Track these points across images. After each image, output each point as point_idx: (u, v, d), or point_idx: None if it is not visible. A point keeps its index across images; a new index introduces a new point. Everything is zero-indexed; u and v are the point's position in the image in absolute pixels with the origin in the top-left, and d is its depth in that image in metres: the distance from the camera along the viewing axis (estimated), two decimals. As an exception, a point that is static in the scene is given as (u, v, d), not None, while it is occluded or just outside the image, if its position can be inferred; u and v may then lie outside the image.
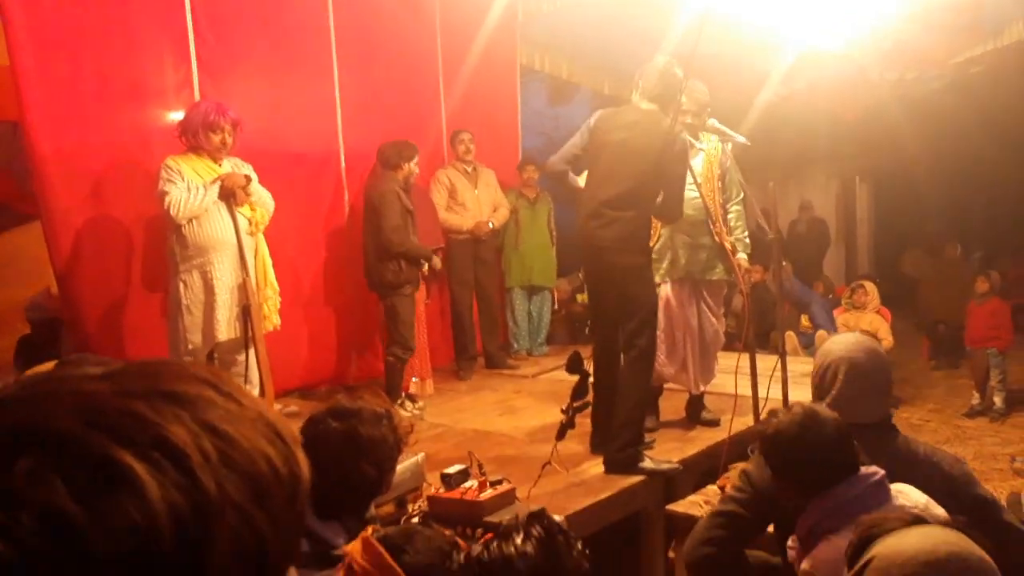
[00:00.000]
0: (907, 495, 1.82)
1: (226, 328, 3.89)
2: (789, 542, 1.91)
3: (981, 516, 1.78)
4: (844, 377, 2.24)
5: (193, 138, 3.91)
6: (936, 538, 1.17)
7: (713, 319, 4.32)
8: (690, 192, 4.07)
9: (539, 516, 1.19)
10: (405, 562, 1.35)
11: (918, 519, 1.25)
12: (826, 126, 8.54)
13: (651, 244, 4.16)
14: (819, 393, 2.33)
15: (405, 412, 4.41)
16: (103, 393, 0.43)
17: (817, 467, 1.86)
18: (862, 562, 1.19)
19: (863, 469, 1.86)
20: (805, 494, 1.87)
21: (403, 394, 4.77)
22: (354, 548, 1.41)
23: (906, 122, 7.69)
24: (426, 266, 5.25)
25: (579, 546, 1.12)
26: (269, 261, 4.13)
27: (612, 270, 3.64)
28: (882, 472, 1.84)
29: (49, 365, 1.83)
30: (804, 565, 1.65)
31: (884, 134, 8.52)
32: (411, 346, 4.84)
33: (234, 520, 0.42)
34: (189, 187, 3.80)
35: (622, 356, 3.71)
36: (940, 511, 1.68)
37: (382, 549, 1.36)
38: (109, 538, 0.38)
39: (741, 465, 3.69)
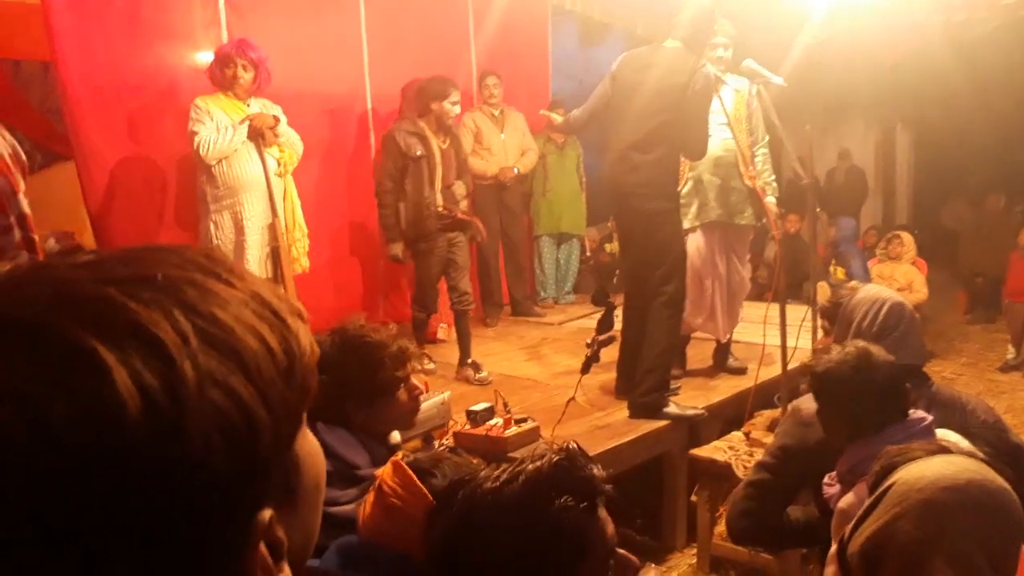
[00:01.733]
0: (949, 438, 1.82)
1: (256, 269, 3.95)
2: (826, 479, 1.92)
3: (1015, 461, 1.79)
4: (907, 323, 2.24)
5: (215, 74, 3.93)
6: (957, 465, 1.19)
7: (740, 267, 4.30)
8: (722, 132, 4.02)
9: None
10: (433, 485, 1.39)
11: (942, 448, 1.26)
12: (867, 71, 8.31)
13: (679, 189, 4.13)
14: (855, 333, 2.33)
15: (473, 377, 4.26)
16: (80, 280, 0.43)
17: (866, 409, 1.86)
18: (883, 488, 1.21)
19: (912, 414, 1.86)
20: (851, 435, 1.88)
21: (468, 360, 4.41)
22: (385, 471, 1.46)
23: (952, 67, 7.44)
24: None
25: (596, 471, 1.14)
26: (298, 203, 4.17)
27: (638, 216, 3.63)
28: (931, 418, 1.84)
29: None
30: (841, 504, 1.67)
31: (928, 80, 8.26)
32: (427, 306, 4.50)
33: (216, 396, 0.42)
34: (218, 127, 3.83)
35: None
36: (979, 455, 1.68)
37: (410, 471, 1.40)
38: (75, 423, 0.38)
39: (767, 413, 3.73)
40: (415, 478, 1.38)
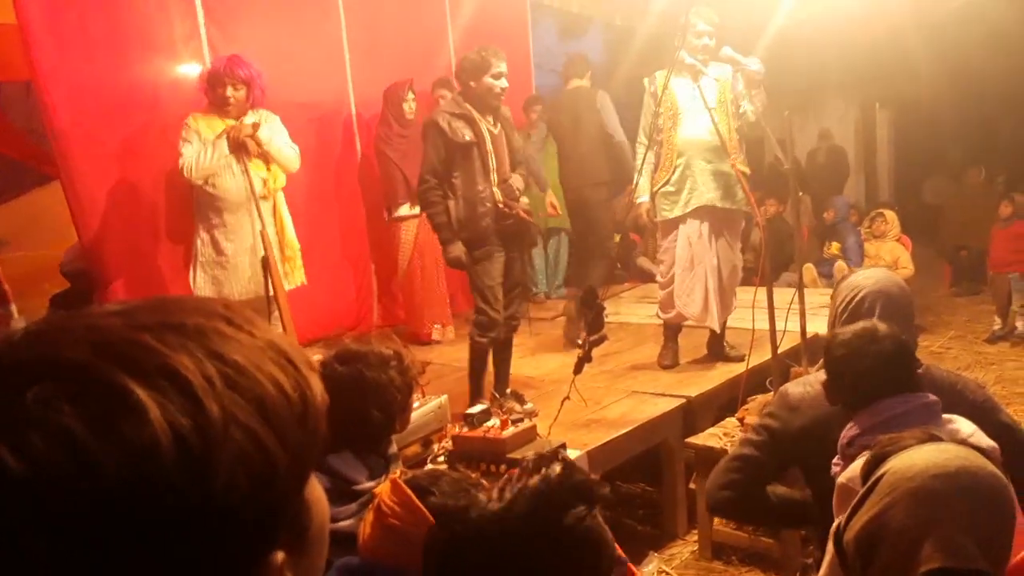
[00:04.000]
0: (958, 424, 1.82)
1: (243, 288, 3.91)
2: (835, 460, 1.92)
3: (1006, 440, 1.80)
4: (880, 311, 2.24)
5: (208, 94, 3.91)
6: (948, 453, 1.20)
7: (732, 254, 4.30)
8: (705, 118, 4.04)
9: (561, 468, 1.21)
10: (431, 503, 1.38)
11: (933, 437, 1.27)
12: (842, 52, 8.33)
13: (667, 176, 4.14)
14: (831, 319, 2.35)
15: (516, 409, 3.41)
16: (114, 326, 0.46)
17: (869, 379, 1.87)
18: (875, 477, 1.23)
19: (919, 393, 1.87)
20: (855, 405, 1.89)
21: (507, 391, 3.77)
22: (383, 489, 1.45)
23: (925, 45, 7.49)
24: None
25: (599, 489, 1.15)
26: (288, 219, 4.10)
27: None
28: (935, 399, 1.84)
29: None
30: (841, 478, 1.66)
31: (902, 59, 8.30)
32: (491, 327, 3.67)
33: (239, 437, 0.45)
34: (204, 145, 3.80)
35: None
36: (987, 440, 1.68)
37: (408, 490, 1.40)
38: (114, 457, 0.41)
39: (760, 397, 3.75)
40: (413, 497, 1.37)
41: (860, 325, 1.97)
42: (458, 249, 3.60)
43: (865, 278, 2.38)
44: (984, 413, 2.02)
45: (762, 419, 2.33)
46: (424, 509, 1.35)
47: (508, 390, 3.80)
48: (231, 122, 3.89)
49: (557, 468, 1.08)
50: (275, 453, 0.47)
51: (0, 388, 0.43)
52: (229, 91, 3.84)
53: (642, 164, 4.21)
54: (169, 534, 0.42)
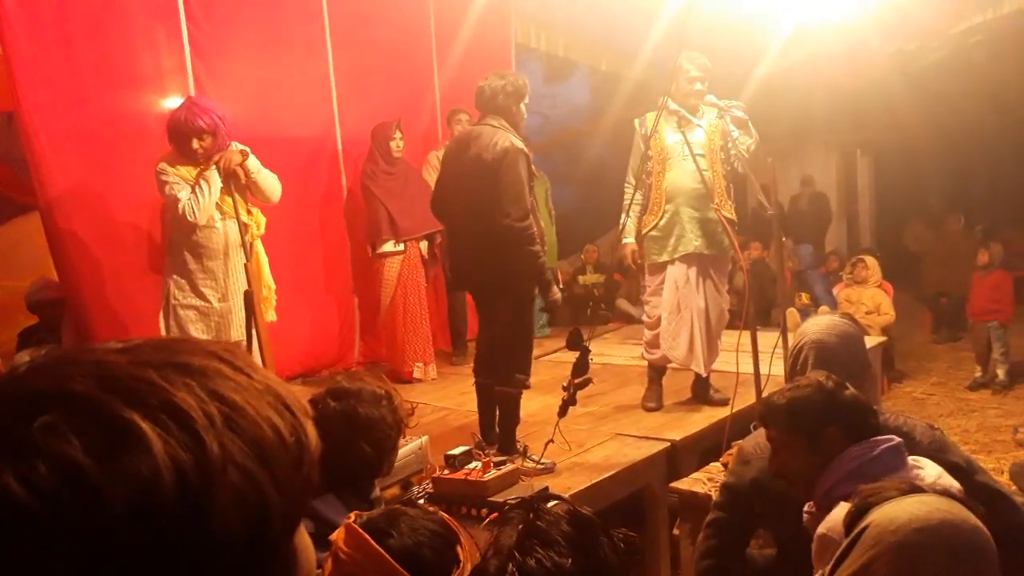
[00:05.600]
0: (922, 466, 1.84)
1: (220, 332, 3.81)
2: (806, 507, 1.93)
3: (957, 480, 1.82)
4: (814, 360, 2.26)
5: (171, 143, 3.77)
6: (930, 505, 1.21)
7: (718, 297, 4.34)
8: (691, 165, 4.10)
9: (577, 515, 1.22)
10: (390, 546, 1.32)
11: (915, 488, 1.28)
12: (825, 99, 8.53)
13: (655, 221, 4.18)
14: (792, 375, 2.36)
15: (530, 464, 3.36)
16: (120, 363, 0.48)
17: (834, 431, 1.88)
18: (858, 529, 1.23)
19: (879, 437, 1.89)
20: (819, 457, 1.90)
21: (521, 447, 3.50)
22: (338, 535, 1.39)
23: (906, 94, 7.68)
24: (425, 247, 5.25)
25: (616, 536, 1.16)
26: (265, 260, 4.03)
27: None
28: (898, 439, 1.86)
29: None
30: (820, 529, 1.67)
31: (884, 107, 8.50)
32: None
33: (236, 478, 0.46)
34: (192, 187, 3.68)
35: None
36: (953, 483, 1.70)
37: (365, 534, 1.34)
38: (118, 488, 0.42)
39: (742, 442, 3.75)
40: (371, 541, 1.33)
41: (808, 382, 1.97)
42: (557, 293, 3.55)
43: (810, 324, 2.42)
44: (933, 455, 2.04)
45: (724, 478, 2.35)
46: (384, 553, 1.30)
47: (521, 446, 3.57)
48: (197, 169, 3.74)
49: (565, 507, 1.09)
50: (270, 496, 0.48)
51: (7, 418, 0.44)
52: (195, 143, 3.69)
53: (629, 205, 4.25)
54: (165, 568, 0.43)
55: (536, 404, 4.59)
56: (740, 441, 2.39)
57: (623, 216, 4.26)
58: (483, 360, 3.66)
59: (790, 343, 2.40)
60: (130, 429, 0.44)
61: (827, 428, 1.90)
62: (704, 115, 4.18)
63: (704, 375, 4.38)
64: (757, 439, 2.27)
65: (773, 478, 2.06)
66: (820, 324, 2.39)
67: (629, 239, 4.28)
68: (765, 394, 3.67)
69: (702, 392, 4.45)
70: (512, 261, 3.36)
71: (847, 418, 1.90)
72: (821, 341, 2.30)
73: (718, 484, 3.45)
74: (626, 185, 4.34)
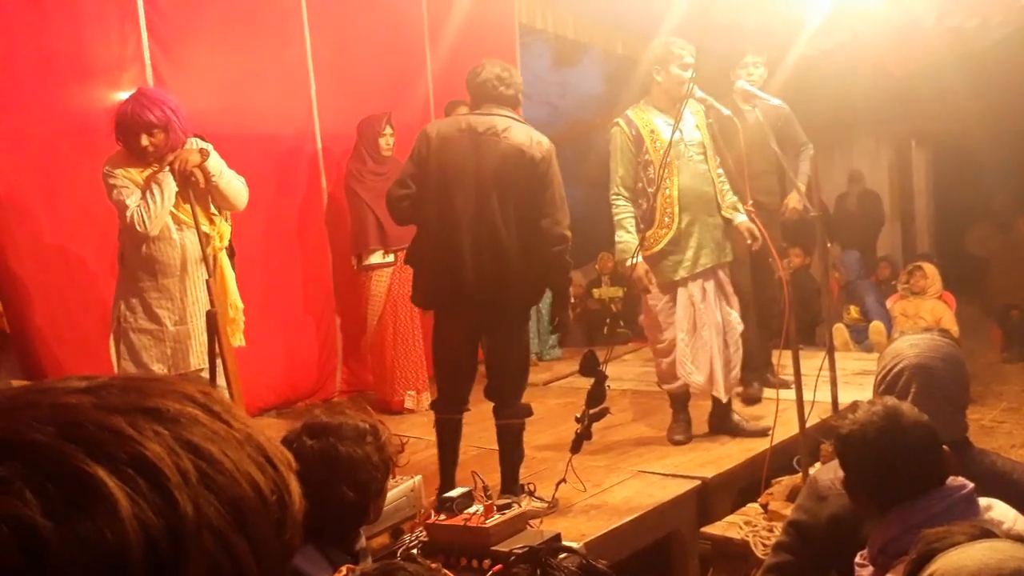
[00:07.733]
0: (996, 509, 1.82)
1: (182, 363, 3.78)
2: (858, 559, 1.92)
3: None
4: (917, 389, 2.22)
5: (119, 141, 3.67)
6: (1003, 552, 1.19)
7: (730, 308, 4.36)
8: (701, 166, 4.12)
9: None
10: None
11: (987, 532, 1.27)
12: (873, 85, 8.53)
13: (668, 234, 4.16)
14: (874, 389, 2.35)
15: (535, 504, 3.44)
16: (84, 406, 0.47)
17: (898, 476, 1.87)
18: (922, 579, 1.22)
19: (950, 481, 1.86)
20: (880, 506, 1.88)
21: (524, 487, 3.61)
22: None
23: (967, 78, 7.67)
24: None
25: None
26: (231, 276, 3.95)
27: None
28: (971, 485, 1.84)
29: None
30: None
31: (941, 93, 8.49)
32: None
33: (211, 545, 0.46)
34: (143, 192, 3.60)
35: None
36: None
37: None
38: (77, 556, 0.42)
39: (786, 479, 3.73)
40: None
41: (879, 412, 1.94)
42: None
43: (910, 346, 2.36)
44: None
45: (790, 516, 2.33)
46: None
47: (524, 486, 3.65)
48: (150, 170, 3.65)
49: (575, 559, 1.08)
50: (247, 566, 0.47)
51: None
52: (144, 140, 3.58)
53: (625, 220, 4.22)
54: None
55: (546, 437, 4.57)
56: (814, 472, 2.37)
57: (621, 233, 4.22)
58: (460, 392, 3.62)
59: (883, 363, 2.36)
60: (94, 486, 0.43)
61: (887, 468, 1.88)
62: (694, 112, 4.22)
63: (724, 399, 4.36)
64: (836, 470, 2.24)
65: (855, 515, 2.03)
66: (920, 344, 2.33)
67: (639, 259, 4.08)
68: (809, 424, 3.66)
69: (719, 422, 4.42)
70: (539, 275, 3.40)
71: (910, 463, 1.87)
72: (925, 366, 2.25)
73: (757, 529, 3.45)
74: (614, 198, 4.26)
